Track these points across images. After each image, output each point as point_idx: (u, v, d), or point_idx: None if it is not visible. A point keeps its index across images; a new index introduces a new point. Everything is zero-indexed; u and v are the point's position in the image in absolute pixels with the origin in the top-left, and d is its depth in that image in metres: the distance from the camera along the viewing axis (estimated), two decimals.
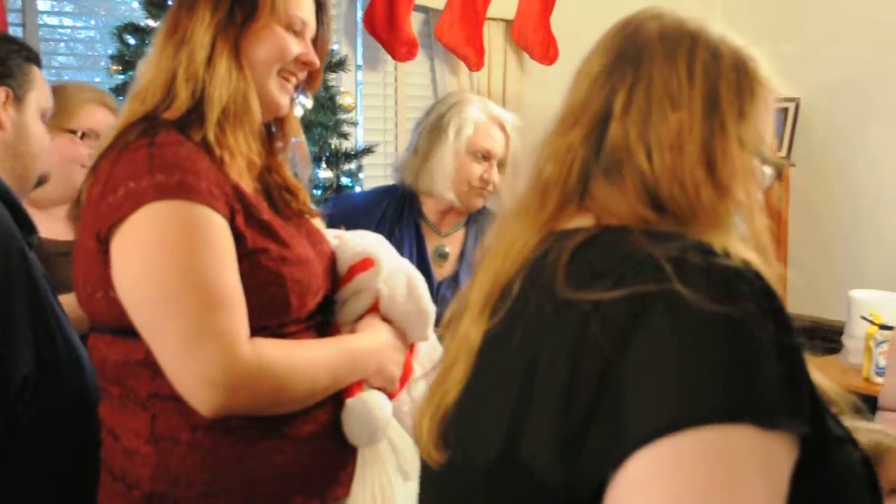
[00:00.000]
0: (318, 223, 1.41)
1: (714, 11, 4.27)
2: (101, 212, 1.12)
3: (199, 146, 1.17)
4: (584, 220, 0.83)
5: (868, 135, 3.76)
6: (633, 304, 0.68)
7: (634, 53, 0.84)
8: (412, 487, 1.29)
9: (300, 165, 1.42)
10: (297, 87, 1.34)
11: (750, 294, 0.67)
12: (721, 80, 0.81)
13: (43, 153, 1.55)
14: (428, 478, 0.90)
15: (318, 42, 1.34)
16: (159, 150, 1.12)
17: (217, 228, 1.12)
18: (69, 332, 1.35)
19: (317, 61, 1.31)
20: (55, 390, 1.29)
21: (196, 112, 1.19)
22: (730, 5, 4.25)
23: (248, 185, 1.24)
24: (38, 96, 1.51)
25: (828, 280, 3.83)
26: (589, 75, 0.86)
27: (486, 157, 1.97)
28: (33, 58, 1.51)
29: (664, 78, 0.81)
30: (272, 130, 1.37)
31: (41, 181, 1.64)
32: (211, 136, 1.18)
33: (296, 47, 1.27)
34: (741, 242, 0.78)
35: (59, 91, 1.81)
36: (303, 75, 1.32)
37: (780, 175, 0.87)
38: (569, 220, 0.84)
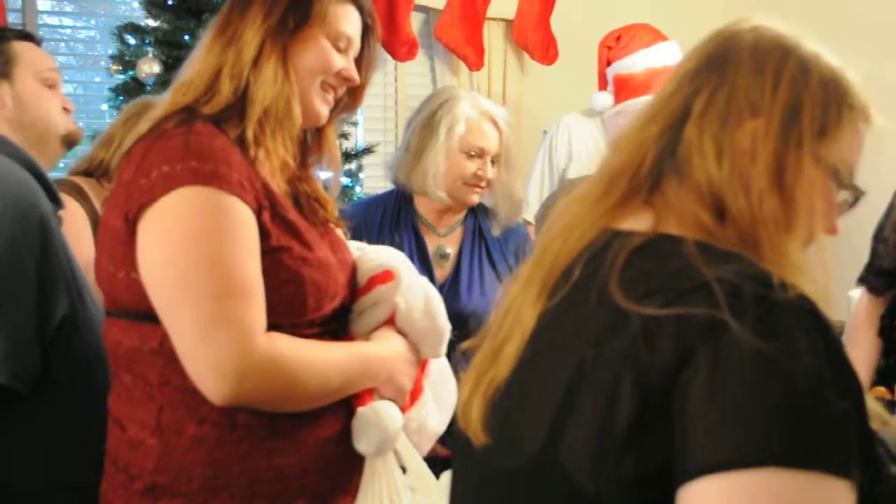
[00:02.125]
0: (342, 234, 1.42)
1: (716, 10, 4.27)
2: (132, 193, 1.13)
3: (234, 142, 1.19)
4: (642, 220, 0.83)
5: (867, 134, 3.76)
6: (682, 333, 0.68)
7: (723, 59, 0.84)
8: (421, 501, 1.29)
9: (332, 181, 1.45)
10: (338, 104, 1.36)
11: (800, 331, 0.67)
12: (806, 94, 0.81)
13: (53, 113, 1.64)
14: (466, 457, 0.90)
15: (364, 63, 1.38)
16: (195, 139, 1.14)
17: (244, 219, 1.13)
18: (93, 298, 1.40)
19: (357, 78, 1.34)
20: (84, 344, 1.34)
21: (235, 109, 1.22)
22: (731, 5, 4.25)
23: (278, 186, 1.26)
24: (29, 66, 1.61)
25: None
26: (677, 75, 0.87)
27: (479, 154, 1.94)
28: (5, 36, 1.62)
29: (748, 85, 0.81)
30: (307, 140, 1.39)
31: (72, 142, 1.73)
32: (249, 134, 1.20)
33: (339, 61, 1.30)
34: (800, 270, 0.77)
35: (150, 107, 1.88)
36: (342, 90, 1.35)
37: (855, 202, 0.86)
38: (630, 214, 0.84)
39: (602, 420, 0.70)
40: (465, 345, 0.97)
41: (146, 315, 1.14)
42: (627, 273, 0.76)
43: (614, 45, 2.84)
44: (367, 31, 1.38)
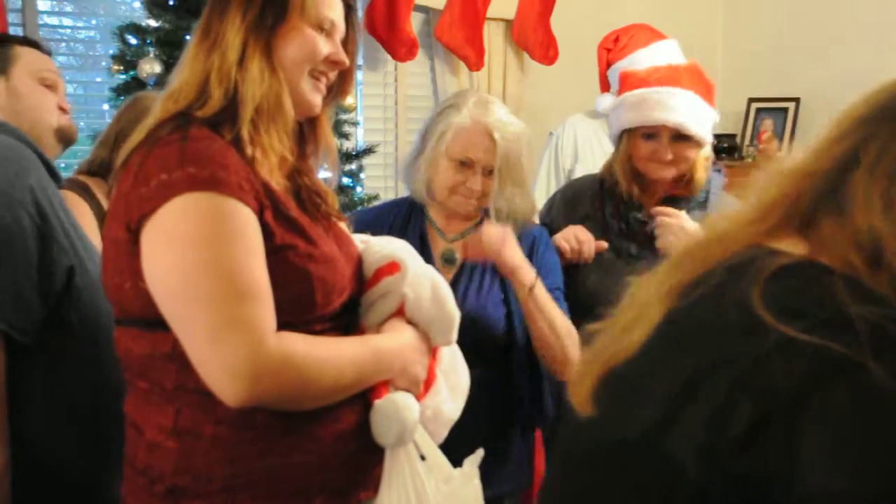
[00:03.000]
0: (345, 227, 1.42)
1: (716, 11, 4.28)
2: (132, 203, 1.13)
3: (231, 144, 1.19)
4: (794, 246, 0.84)
5: None
6: (819, 362, 0.70)
7: None
8: (444, 489, 1.30)
9: (330, 171, 1.45)
10: (330, 89, 1.36)
11: None
12: None
13: (45, 107, 1.75)
14: (567, 427, 0.93)
15: (348, 43, 1.37)
16: (191, 144, 1.13)
17: (246, 221, 1.13)
18: (95, 261, 1.45)
19: (346, 60, 1.33)
20: (91, 301, 1.40)
21: (228, 111, 1.22)
22: (731, 5, 4.26)
23: (278, 183, 1.26)
24: (25, 65, 1.74)
25: None
26: (848, 118, 0.88)
27: (468, 164, 1.87)
28: (8, 40, 1.77)
29: None
30: (304, 132, 1.39)
31: (67, 138, 1.81)
32: (245, 134, 1.20)
33: (325, 47, 1.29)
34: None
35: (143, 101, 2.05)
36: (333, 75, 1.34)
37: None
38: (782, 239, 0.86)
39: (717, 419, 0.72)
40: (590, 328, 0.99)
41: (156, 322, 1.14)
42: (772, 286, 0.77)
43: (613, 46, 2.86)
44: (348, 12, 1.36)
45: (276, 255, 1.16)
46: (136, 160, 1.16)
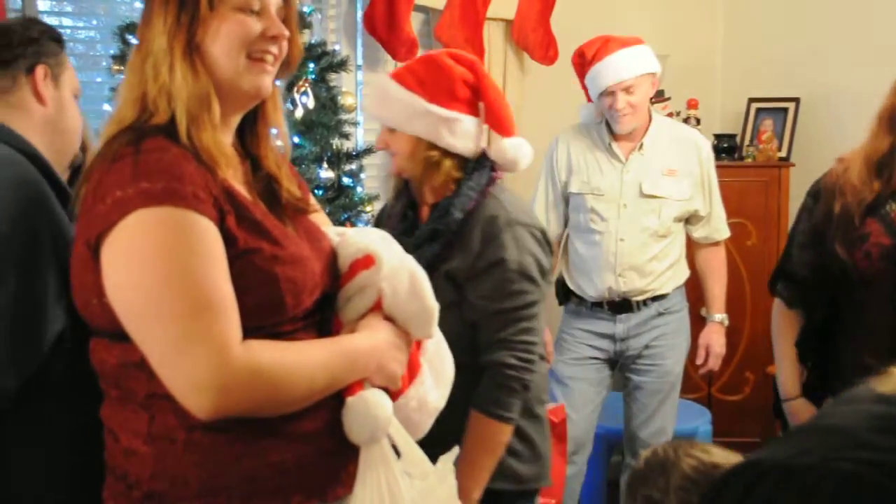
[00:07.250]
0: (322, 219, 1.41)
1: (716, 12, 4.27)
2: (91, 220, 1.13)
3: (188, 150, 1.17)
4: None
5: (867, 135, 3.76)
6: None
7: None
8: (418, 486, 1.30)
9: (280, 141, 1.40)
10: (283, 68, 1.30)
11: None
12: None
13: (79, 131, 1.56)
14: None
15: (290, 12, 1.30)
16: (144, 157, 1.13)
17: (204, 232, 1.13)
18: None
19: (285, 32, 1.26)
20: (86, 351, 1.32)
21: (174, 119, 1.20)
22: (731, 5, 4.25)
23: (240, 182, 1.25)
24: (70, 77, 1.53)
25: None
26: None
27: None
28: (60, 39, 1.53)
29: None
30: (253, 122, 1.34)
31: (78, 165, 1.61)
32: (186, 141, 1.18)
33: (256, 26, 1.24)
34: None
35: None
36: (279, 49, 1.27)
37: None
38: None
39: None
40: None
41: (125, 334, 1.14)
42: None
43: (581, 59, 2.95)
44: None
45: (242, 260, 1.16)
46: (95, 176, 1.16)
